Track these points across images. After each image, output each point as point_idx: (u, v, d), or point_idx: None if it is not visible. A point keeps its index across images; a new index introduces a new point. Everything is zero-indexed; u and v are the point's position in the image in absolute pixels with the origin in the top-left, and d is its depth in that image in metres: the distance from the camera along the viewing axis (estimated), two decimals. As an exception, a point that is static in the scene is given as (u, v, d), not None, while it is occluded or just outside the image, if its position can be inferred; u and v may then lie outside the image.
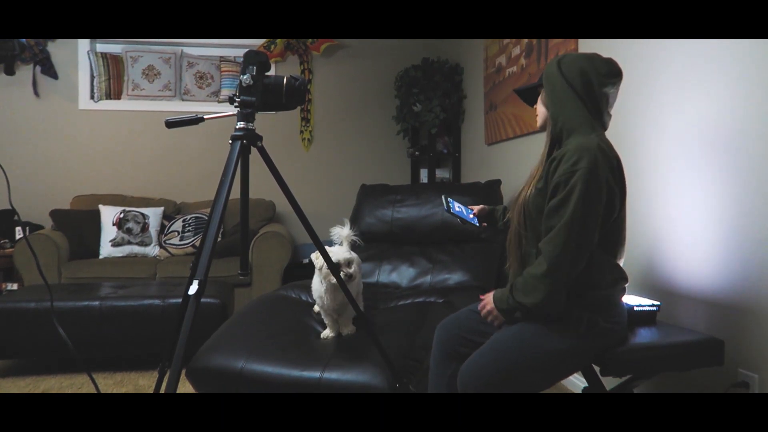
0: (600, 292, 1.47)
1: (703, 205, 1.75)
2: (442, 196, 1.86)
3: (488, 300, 1.56)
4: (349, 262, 1.95)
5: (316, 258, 1.97)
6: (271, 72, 4.21)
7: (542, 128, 1.60)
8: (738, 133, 1.61)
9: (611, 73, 1.50)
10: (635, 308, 1.70)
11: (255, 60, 1.49)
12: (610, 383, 1.72)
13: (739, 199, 1.61)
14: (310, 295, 2.22)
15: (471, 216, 1.83)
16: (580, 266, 1.41)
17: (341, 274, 1.86)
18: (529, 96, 1.70)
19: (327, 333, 2.07)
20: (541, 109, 1.58)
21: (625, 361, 1.48)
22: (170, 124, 1.57)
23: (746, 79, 1.58)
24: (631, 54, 2.10)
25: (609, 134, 1.59)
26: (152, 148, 4.37)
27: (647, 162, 2.02)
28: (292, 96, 1.54)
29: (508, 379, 1.43)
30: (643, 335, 1.58)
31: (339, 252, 1.96)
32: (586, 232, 1.38)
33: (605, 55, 1.53)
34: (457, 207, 1.84)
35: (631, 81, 2.11)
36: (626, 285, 1.54)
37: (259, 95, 1.49)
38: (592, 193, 1.38)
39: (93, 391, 1.89)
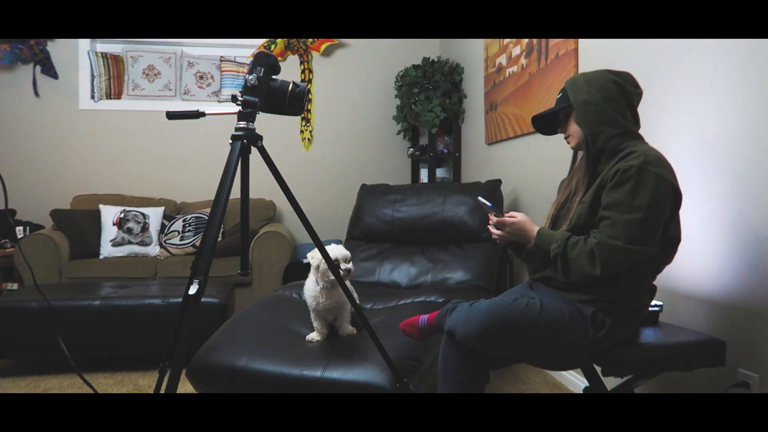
0: (637, 313, 1.50)
1: (704, 206, 1.75)
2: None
3: (523, 225, 1.53)
4: (346, 258, 1.96)
5: (312, 257, 1.97)
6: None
7: (578, 148, 1.61)
8: (740, 134, 1.61)
9: (637, 84, 1.55)
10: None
11: (264, 62, 1.49)
12: (610, 383, 1.72)
13: (741, 200, 1.61)
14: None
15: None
16: (632, 262, 1.39)
17: (340, 270, 1.86)
18: (546, 125, 1.69)
19: (313, 336, 2.05)
20: (575, 130, 1.57)
21: (628, 360, 1.48)
22: (171, 116, 1.57)
23: (749, 79, 1.58)
24: (631, 54, 2.10)
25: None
26: (152, 148, 4.37)
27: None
28: (294, 102, 1.55)
29: (508, 327, 1.42)
30: (646, 335, 1.58)
31: (336, 249, 1.97)
32: (652, 230, 1.38)
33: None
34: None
35: (631, 81, 2.11)
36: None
37: (263, 97, 1.50)
38: (662, 192, 1.38)
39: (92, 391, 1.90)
